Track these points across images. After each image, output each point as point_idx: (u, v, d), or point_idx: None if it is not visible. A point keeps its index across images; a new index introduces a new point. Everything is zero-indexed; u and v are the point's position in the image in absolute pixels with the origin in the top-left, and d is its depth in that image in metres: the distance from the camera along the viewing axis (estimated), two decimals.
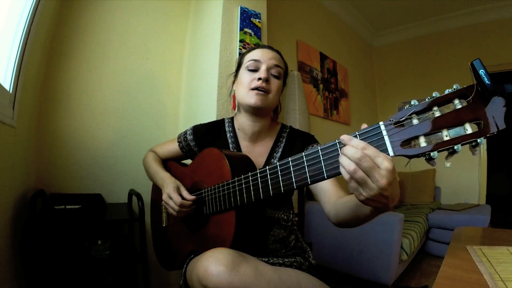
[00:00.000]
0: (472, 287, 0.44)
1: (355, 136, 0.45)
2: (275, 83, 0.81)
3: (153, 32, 1.69)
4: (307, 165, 0.52)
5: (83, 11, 1.43)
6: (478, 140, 0.37)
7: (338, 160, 0.46)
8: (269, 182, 0.59)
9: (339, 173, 0.47)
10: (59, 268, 1.02)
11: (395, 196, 0.45)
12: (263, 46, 0.87)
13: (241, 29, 1.49)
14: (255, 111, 0.82)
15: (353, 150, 0.42)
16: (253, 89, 0.79)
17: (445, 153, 0.41)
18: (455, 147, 0.38)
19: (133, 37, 1.61)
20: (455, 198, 3.19)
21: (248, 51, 0.87)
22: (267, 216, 0.79)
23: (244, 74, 0.83)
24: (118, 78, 1.54)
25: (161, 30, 1.72)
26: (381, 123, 0.44)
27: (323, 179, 0.50)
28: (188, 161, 0.97)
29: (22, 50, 0.95)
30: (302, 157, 0.53)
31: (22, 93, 0.97)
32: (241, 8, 1.50)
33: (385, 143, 0.43)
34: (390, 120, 0.43)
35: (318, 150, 0.51)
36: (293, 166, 0.55)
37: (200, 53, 1.63)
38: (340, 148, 0.47)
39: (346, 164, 0.42)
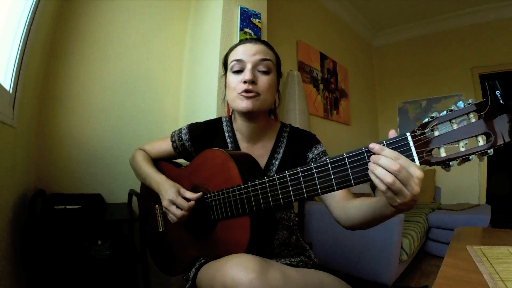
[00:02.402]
0: (472, 287, 0.44)
1: (382, 145, 0.48)
2: (264, 81, 0.74)
3: (153, 32, 1.69)
4: (332, 172, 0.53)
5: (83, 11, 1.43)
6: (488, 151, 0.42)
7: (365, 168, 0.49)
8: (290, 188, 0.58)
9: (367, 181, 0.49)
10: (59, 268, 1.02)
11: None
12: (246, 41, 0.79)
13: (241, 29, 1.49)
14: (248, 115, 0.77)
15: (389, 161, 0.44)
16: (241, 93, 0.74)
17: (460, 159, 0.46)
18: (470, 157, 0.44)
19: (133, 37, 1.61)
20: (455, 198, 3.19)
21: (231, 49, 0.81)
22: (271, 218, 0.77)
23: (230, 77, 0.77)
24: (118, 78, 1.54)
25: (161, 30, 1.72)
26: (408, 134, 0.47)
27: (351, 185, 0.52)
28: (181, 161, 0.94)
29: (22, 50, 0.95)
30: (327, 163, 0.53)
31: (22, 93, 0.97)
32: (241, 8, 1.50)
33: (412, 153, 0.46)
34: (415, 131, 0.47)
35: (344, 158, 0.52)
36: (317, 172, 0.55)
37: (200, 53, 1.63)
38: (368, 156, 0.49)
39: (383, 175, 0.44)
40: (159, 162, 0.93)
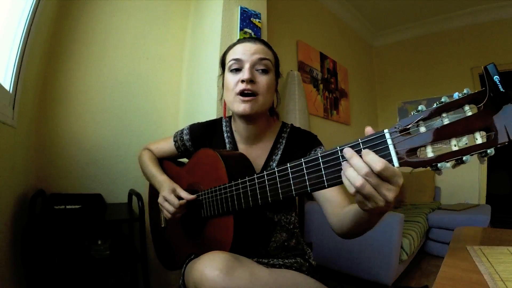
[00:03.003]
0: (472, 287, 0.44)
1: (358, 144, 0.43)
2: (263, 80, 0.73)
3: (153, 32, 1.69)
4: (306, 172, 0.50)
5: (83, 11, 1.43)
6: (488, 151, 0.35)
7: (338, 169, 0.45)
8: (267, 188, 0.57)
9: (341, 183, 0.45)
10: (59, 268, 1.02)
11: (396, 200, 0.43)
12: (244, 40, 0.78)
13: (241, 29, 1.49)
14: (247, 117, 0.76)
15: (361, 163, 0.40)
16: (238, 93, 0.72)
17: (452, 161, 0.38)
18: (464, 158, 0.36)
19: (133, 37, 1.61)
20: (455, 198, 3.19)
21: (229, 48, 0.80)
22: (267, 219, 0.77)
23: (228, 77, 0.76)
24: (118, 78, 1.54)
25: (161, 30, 1.72)
26: (386, 130, 0.41)
27: (324, 187, 0.48)
28: (185, 160, 0.96)
29: (22, 50, 0.95)
30: (302, 163, 0.51)
31: (22, 93, 0.97)
32: (241, 8, 1.50)
33: (390, 152, 0.40)
34: (395, 128, 0.40)
35: (318, 157, 0.48)
36: (292, 173, 0.52)
37: (200, 53, 1.63)
38: (342, 156, 0.44)
39: (353, 178, 0.40)
40: (163, 160, 0.97)
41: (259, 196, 0.60)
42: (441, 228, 2.40)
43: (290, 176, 0.53)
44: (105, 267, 1.12)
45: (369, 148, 0.42)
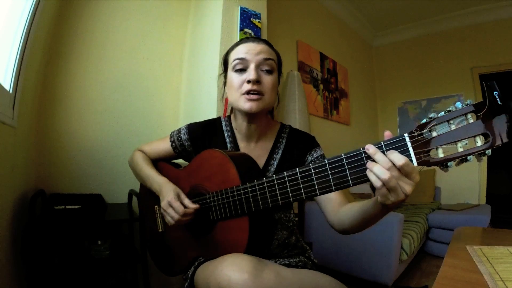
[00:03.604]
0: (472, 287, 0.44)
1: (380, 146, 0.49)
2: (268, 81, 0.74)
3: (153, 32, 1.69)
4: (331, 173, 0.53)
5: (83, 11, 1.43)
6: (486, 152, 0.43)
7: (363, 169, 0.50)
8: (289, 189, 0.58)
9: (365, 181, 0.50)
10: (60, 268, 1.02)
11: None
12: (248, 40, 0.78)
13: (241, 29, 1.49)
14: (250, 115, 0.77)
15: (385, 159, 0.46)
16: (245, 93, 0.73)
17: (458, 160, 0.46)
18: (468, 158, 0.44)
19: (133, 37, 1.61)
20: (455, 198, 3.19)
21: (233, 48, 0.79)
22: (270, 218, 0.78)
23: (232, 76, 0.76)
24: (118, 78, 1.54)
25: (161, 30, 1.72)
26: (405, 134, 0.48)
27: (349, 186, 0.52)
28: (179, 161, 0.94)
29: (22, 50, 0.95)
30: (326, 164, 0.54)
31: (22, 93, 0.97)
32: (241, 8, 1.50)
33: (410, 154, 0.47)
34: (413, 132, 0.47)
35: (342, 158, 0.52)
36: (316, 173, 0.55)
37: (200, 53, 1.63)
38: (366, 157, 0.50)
39: (380, 172, 0.46)
40: (158, 162, 0.93)
41: (279, 197, 0.60)
42: (441, 228, 2.40)
43: (314, 176, 0.55)
44: (105, 267, 1.12)
45: (391, 150, 0.49)
